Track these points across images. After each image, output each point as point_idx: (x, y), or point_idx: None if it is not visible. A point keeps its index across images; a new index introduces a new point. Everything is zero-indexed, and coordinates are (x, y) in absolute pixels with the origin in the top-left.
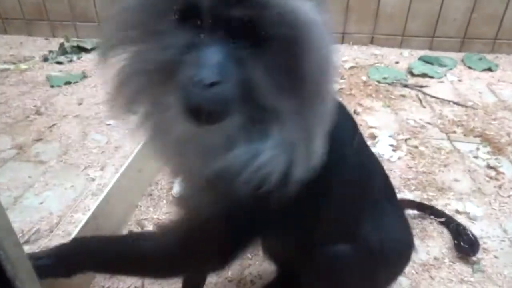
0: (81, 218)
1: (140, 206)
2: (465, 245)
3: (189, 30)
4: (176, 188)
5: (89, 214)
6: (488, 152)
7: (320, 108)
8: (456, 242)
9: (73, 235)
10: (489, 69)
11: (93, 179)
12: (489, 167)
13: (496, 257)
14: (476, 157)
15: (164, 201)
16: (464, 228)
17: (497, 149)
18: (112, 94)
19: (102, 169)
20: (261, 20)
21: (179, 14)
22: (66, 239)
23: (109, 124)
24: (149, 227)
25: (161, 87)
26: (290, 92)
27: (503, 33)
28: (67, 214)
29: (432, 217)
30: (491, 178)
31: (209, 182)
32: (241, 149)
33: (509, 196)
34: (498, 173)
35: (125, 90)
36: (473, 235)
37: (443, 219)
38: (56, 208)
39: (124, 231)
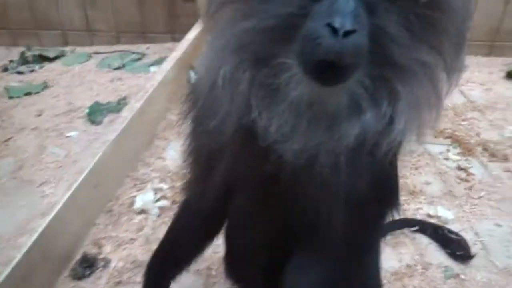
0: (27, 241)
1: (98, 223)
2: (459, 252)
3: None
4: (139, 203)
5: (35, 236)
6: (458, 153)
7: (455, 65)
8: (449, 251)
9: (16, 261)
10: None
11: (48, 196)
12: (459, 168)
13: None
14: (446, 159)
15: (125, 218)
16: (446, 232)
17: (467, 150)
18: (218, 58)
19: (58, 185)
20: None
21: None
22: (5, 267)
23: (69, 136)
24: (107, 247)
25: (279, 46)
26: (425, 45)
27: (471, 35)
28: (11, 238)
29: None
30: (461, 179)
31: (348, 156)
32: (372, 114)
33: (479, 198)
34: (469, 174)
35: (236, 51)
36: (456, 234)
37: (416, 228)
38: (5, 230)
39: (79, 252)
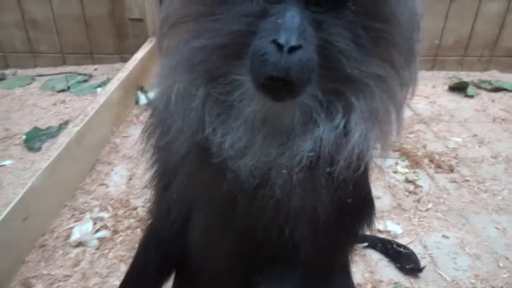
0: None
1: (28, 261)
2: (408, 265)
3: None
4: (76, 235)
5: None
6: (407, 166)
7: (408, 77)
8: (398, 265)
9: None
10: None
11: None
12: (407, 181)
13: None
14: (395, 172)
15: (60, 252)
16: (395, 246)
17: (415, 163)
18: (172, 76)
19: None
20: None
21: None
22: None
23: (3, 165)
24: (38, 286)
25: (231, 63)
26: (376, 58)
27: None
28: None
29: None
30: (410, 192)
31: (303, 174)
32: (325, 127)
33: (427, 210)
34: (416, 186)
35: (189, 70)
36: (405, 248)
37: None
38: None
39: None
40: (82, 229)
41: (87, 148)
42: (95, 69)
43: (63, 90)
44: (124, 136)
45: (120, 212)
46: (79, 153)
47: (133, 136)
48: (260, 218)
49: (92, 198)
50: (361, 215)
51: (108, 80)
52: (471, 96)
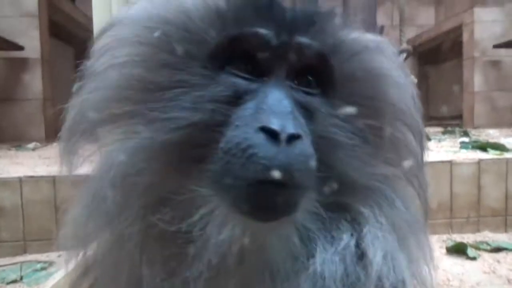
0: None
1: None
2: None
3: (231, 76)
4: None
5: None
6: None
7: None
8: None
9: None
10: None
11: None
12: None
13: None
14: None
15: None
16: None
17: None
18: (107, 195)
19: None
20: (333, 53)
21: (217, 57)
22: None
23: None
24: None
25: (185, 171)
26: (378, 154)
27: None
28: None
29: None
30: None
31: None
32: (333, 253)
33: None
34: None
35: (119, 192)
36: None
37: None
38: None
39: None
40: None
41: None
42: (59, 256)
43: (14, 281)
44: None
45: None
46: None
47: None
48: None
49: None
50: None
51: None
52: (474, 258)
